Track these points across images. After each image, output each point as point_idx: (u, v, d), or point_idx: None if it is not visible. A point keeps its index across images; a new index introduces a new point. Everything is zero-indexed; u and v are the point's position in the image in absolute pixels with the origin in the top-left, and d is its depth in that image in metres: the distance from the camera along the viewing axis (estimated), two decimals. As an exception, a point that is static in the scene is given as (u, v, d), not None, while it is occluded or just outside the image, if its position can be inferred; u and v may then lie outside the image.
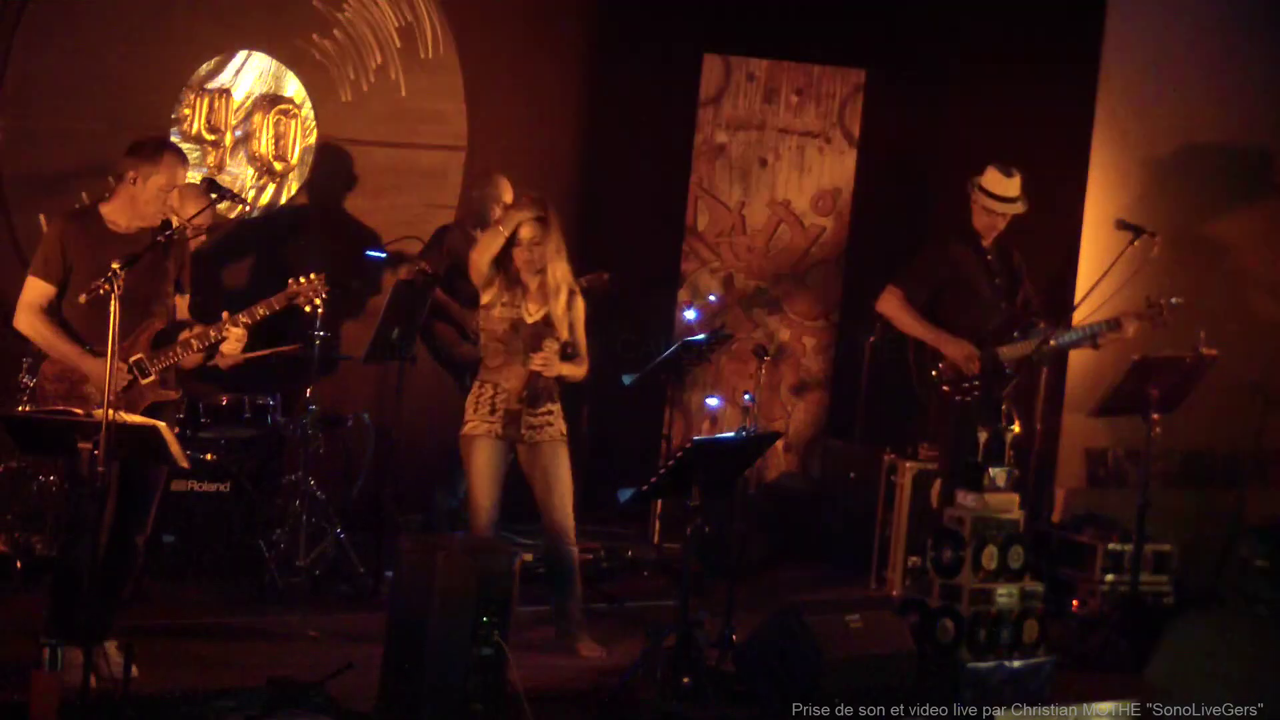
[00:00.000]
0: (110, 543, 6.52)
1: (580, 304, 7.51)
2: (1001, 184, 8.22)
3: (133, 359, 6.55)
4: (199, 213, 7.40)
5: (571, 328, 7.48)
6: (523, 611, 7.25)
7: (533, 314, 7.42)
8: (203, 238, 8.14)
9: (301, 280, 6.81)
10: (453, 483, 9.06)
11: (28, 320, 6.59)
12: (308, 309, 6.99)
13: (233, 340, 6.63)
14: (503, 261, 7.42)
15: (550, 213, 7.41)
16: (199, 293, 7.99)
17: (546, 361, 7.36)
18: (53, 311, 6.57)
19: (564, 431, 7.49)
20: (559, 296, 7.42)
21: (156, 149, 6.61)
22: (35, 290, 6.58)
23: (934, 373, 8.22)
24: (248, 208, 9.14)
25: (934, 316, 8.28)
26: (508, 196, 8.93)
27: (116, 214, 6.62)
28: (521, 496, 7.60)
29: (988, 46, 9.91)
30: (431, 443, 9.46)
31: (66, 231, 6.56)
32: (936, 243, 8.44)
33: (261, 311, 6.69)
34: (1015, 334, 8.26)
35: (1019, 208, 8.25)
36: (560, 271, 7.42)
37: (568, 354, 7.47)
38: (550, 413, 7.45)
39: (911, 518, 9.04)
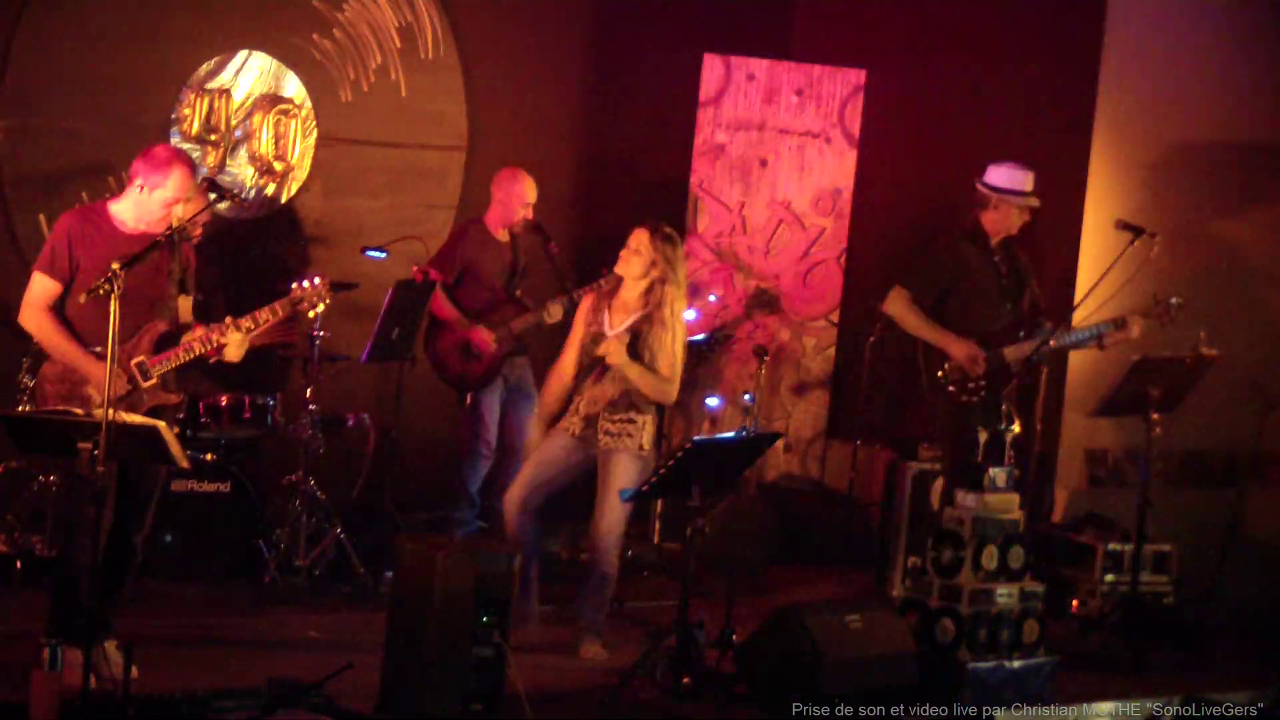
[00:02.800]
0: (109, 543, 6.51)
1: (668, 322, 7.42)
2: (1024, 180, 8.24)
3: (134, 361, 6.54)
4: (199, 212, 7.39)
5: (650, 345, 7.40)
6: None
7: (614, 328, 7.43)
8: (198, 233, 8.13)
9: (305, 285, 6.79)
10: (457, 500, 9.08)
11: (33, 317, 6.57)
12: (311, 315, 6.98)
13: (234, 346, 6.63)
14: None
15: (665, 236, 7.44)
16: (200, 291, 8.00)
17: (608, 349, 7.34)
18: (57, 309, 6.57)
19: (644, 445, 7.43)
20: (646, 322, 7.39)
21: (167, 163, 6.56)
22: (41, 287, 6.56)
23: (940, 373, 8.22)
24: (248, 208, 9.14)
25: (940, 316, 8.28)
26: (532, 195, 8.96)
27: (124, 213, 6.62)
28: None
29: (988, 46, 9.91)
30: (432, 443, 9.47)
31: (74, 228, 6.55)
32: (943, 243, 8.43)
33: (265, 317, 6.66)
34: (1021, 334, 8.26)
35: (1037, 201, 8.29)
36: (660, 293, 7.40)
37: (642, 401, 7.42)
38: (631, 421, 7.42)
39: (911, 518, 9.05)
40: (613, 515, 7.42)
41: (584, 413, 7.44)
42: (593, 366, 7.45)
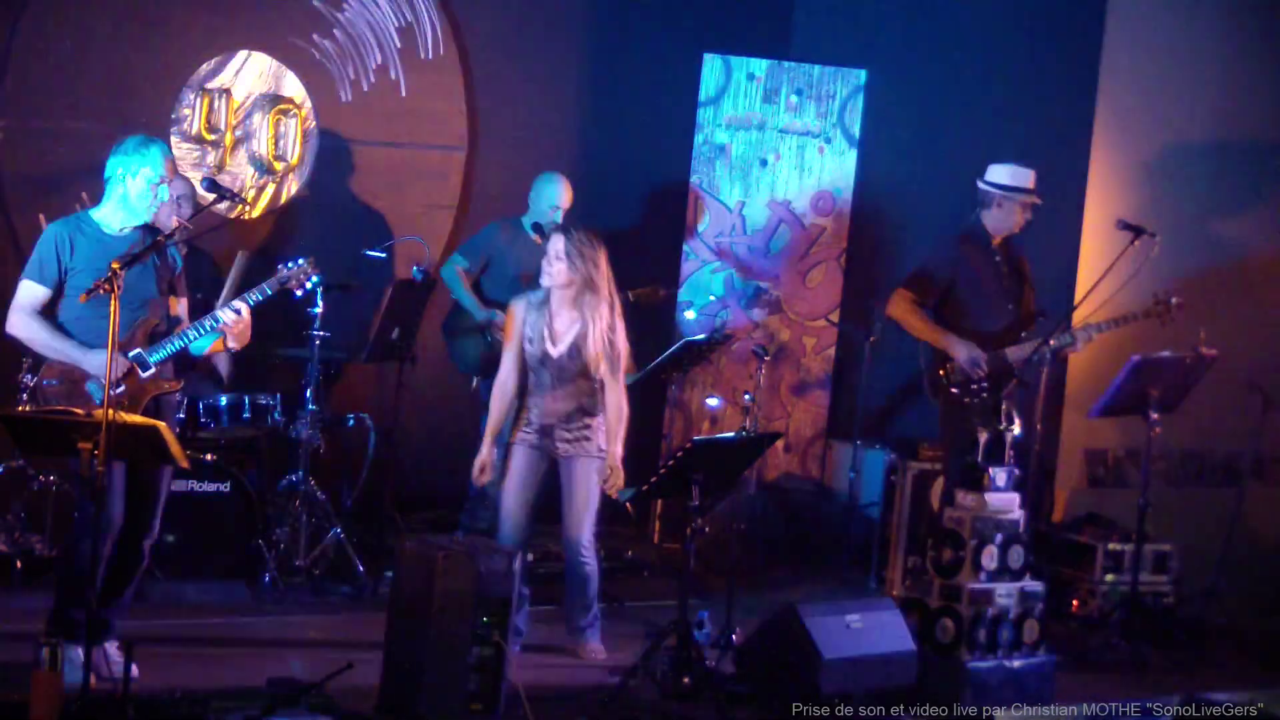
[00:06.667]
0: (118, 546, 6.54)
1: (603, 330, 7.35)
2: (1025, 177, 8.25)
3: (131, 354, 6.56)
4: (198, 212, 7.40)
5: (593, 357, 7.34)
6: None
7: (557, 348, 7.39)
8: (181, 225, 8.09)
9: (292, 265, 6.86)
10: (472, 507, 9.07)
11: (22, 321, 6.60)
12: (300, 293, 7.01)
13: (235, 330, 6.66)
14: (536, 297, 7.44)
15: (582, 239, 7.33)
16: (200, 291, 8.01)
17: (617, 485, 7.37)
18: (47, 315, 6.59)
19: (602, 446, 7.40)
20: (587, 331, 7.32)
21: (139, 143, 6.63)
22: (29, 292, 6.59)
23: (941, 373, 8.22)
24: (247, 207, 9.14)
25: (942, 316, 8.29)
26: (561, 198, 8.95)
27: (108, 217, 6.65)
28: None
29: (988, 46, 9.91)
30: (431, 443, 9.46)
31: (60, 235, 6.59)
32: (945, 244, 8.43)
33: (255, 298, 6.73)
34: (1023, 335, 8.27)
35: (1039, 198, 8.30)
36: (589, 304, 7.32)
37: (593, 405, 7.39)
38: (587, 427, 7.39)
39: (911, 518, 9.05)
40: (581, 519, 7.40)
41: (538, 424, 7.41)
42: (540, 376, 7.41)
